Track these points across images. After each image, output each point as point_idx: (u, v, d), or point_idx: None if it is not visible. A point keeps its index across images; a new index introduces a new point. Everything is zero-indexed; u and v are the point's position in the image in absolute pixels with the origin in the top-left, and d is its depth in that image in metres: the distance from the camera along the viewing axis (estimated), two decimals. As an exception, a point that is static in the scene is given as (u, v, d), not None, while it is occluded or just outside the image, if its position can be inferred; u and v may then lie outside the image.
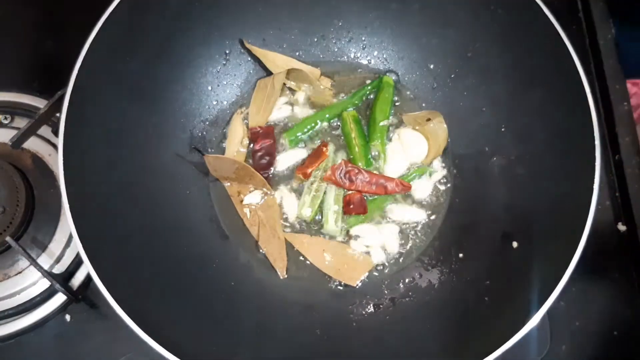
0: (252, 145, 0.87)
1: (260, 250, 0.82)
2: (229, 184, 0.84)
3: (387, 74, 0.91)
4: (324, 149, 0.85)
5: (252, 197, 0.82)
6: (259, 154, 0.84)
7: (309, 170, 0.83)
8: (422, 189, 0.85)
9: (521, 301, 0.65)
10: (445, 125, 0.86)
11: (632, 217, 0.82)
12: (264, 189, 0.84)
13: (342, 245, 0.82)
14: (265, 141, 0.85)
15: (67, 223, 0.63)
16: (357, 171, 0.82)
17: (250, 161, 0.86)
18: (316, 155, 0.85)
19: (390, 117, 0.89)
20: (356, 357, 0.73)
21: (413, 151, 0.87)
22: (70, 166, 0.66)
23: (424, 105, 0.90)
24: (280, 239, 0.82)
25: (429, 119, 0.86)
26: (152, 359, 0.61)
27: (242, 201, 0.83)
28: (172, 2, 0.79)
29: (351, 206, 0.82)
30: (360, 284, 0.81)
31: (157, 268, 0.73)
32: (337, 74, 0.93)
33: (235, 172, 0.82)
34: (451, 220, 0.84)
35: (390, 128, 0.89)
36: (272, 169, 0.86)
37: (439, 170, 0.87)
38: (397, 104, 0.91)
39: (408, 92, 0.91)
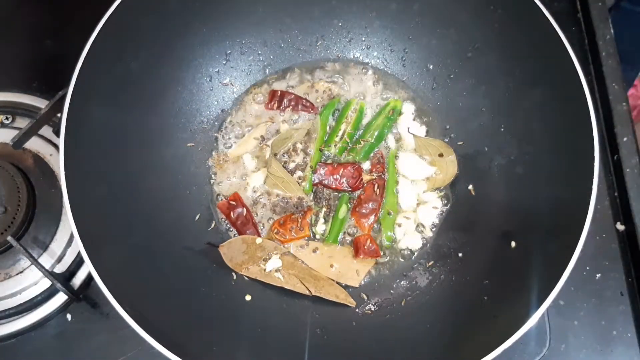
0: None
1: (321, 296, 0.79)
2: (246, 271, 0.80)
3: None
4: (307, 218, 0.83)
5: (273, 263, 0.80)
6: (239, 223, 0.83)
7: (285, 238, 0.82)
8: (427, 215, 0.85)
9: (520, 300, 0.65)
10: (456, 164, 0.84)
11: (631, 217, 0.82)
12: (277, 251, 0.82)
13: (342, 249, 0.82)
14: (237, 210, 0.84)
15: (68, 223, 0.64)
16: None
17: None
18: (298, 218, 0.82)
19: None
20: (356, 357, 0.73)
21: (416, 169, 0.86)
22: (71, 166, 0.66)
23: (423, 105, 0.90)
24: (324, 279, 0.80)
25: (441, 154, 0.84)
26: (153, 358, 0.62)
27: (265, 270, 0.80)
28: (172, 3, 0.79)
29: (361, 252, 0.81)
30: (361, 284, 0.81)
31: (157, 267, 0.73)
32: (337, 76, 0.93)
33: (245, 251, 0.80)
34: (451, 220, 0.84)
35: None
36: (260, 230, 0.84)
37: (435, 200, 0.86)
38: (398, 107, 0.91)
39: (408, 92, 0.91)
